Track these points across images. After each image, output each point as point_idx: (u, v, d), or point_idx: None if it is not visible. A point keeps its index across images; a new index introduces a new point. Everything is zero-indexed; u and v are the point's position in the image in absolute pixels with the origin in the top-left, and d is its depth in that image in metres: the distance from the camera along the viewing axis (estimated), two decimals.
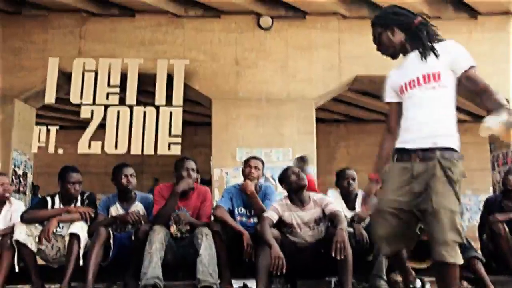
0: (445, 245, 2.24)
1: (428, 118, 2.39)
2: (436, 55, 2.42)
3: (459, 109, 12.52)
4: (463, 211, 2.31)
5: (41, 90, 6.84)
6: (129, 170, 4.08)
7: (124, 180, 4.03)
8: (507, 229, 4.17)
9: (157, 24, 7.23)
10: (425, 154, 2.36)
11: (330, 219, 3.73)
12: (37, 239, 3.74)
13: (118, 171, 4.08)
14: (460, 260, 2.28)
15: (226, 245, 3.74)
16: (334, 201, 3.97)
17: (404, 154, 2.43)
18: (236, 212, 4.05)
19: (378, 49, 2.62)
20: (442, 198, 2.27)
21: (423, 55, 2.44)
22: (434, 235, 2.29)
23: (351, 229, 3.83)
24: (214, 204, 4.37)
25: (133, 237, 3.74)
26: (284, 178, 3.88)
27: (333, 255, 3.36)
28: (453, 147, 2.37)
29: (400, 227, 2.45)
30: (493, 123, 2.10)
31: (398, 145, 2.48)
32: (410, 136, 2.43)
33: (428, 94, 2.40)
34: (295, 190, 3.79)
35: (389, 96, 2.62)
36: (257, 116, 6.95)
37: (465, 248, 3.89)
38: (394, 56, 2.62)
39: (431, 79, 2.40)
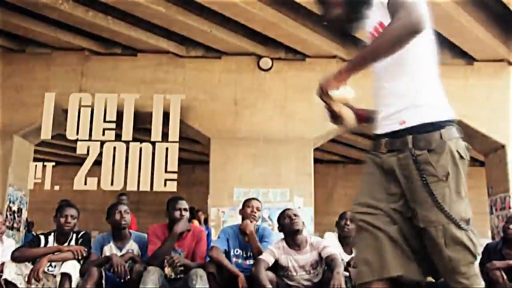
0: (458, 274, 1.62)
1: (388, 87, 1.78)
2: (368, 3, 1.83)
3: None
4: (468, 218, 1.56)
5: (40, 126, 6.87)
6: (123, 207, 4.06)
7: (117, 216, 4.00)
8: (505, 277, 4.10)
9: (158, 63, 7.34)
10: (393, 141, 1.72)
11: (326, 263, 3.68)
12: (26, 279, 3.66)
13: (112, 208, 4.07)
14: (481, 283, 1.66)
15: (221, 286, 3.67)
16: (331, 244, 3.92)
17: (375, 142, 1.83)
18: (232, 253, 4.00)
19: (335, 26, 2.03)
20: (427, 212, 1.63)
21: (357, 15, 1.89)
22: (439, 263, 1.66)
23: (347, 273, 3.77)
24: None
25: (127, 277, 3.66)
26: (279, 220, 3.86)
27: None
28: (430, 121, 1.69)
29: (384, 239, 1.68)
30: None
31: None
32: (377, 117, 1.85)
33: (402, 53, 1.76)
34: (288, 234, 3.76)
35: None
36: (255, 156, 6.96)
37: None
38: (349, 29, 2.03)
39: (376, 36, 1.81)
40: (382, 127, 1.79)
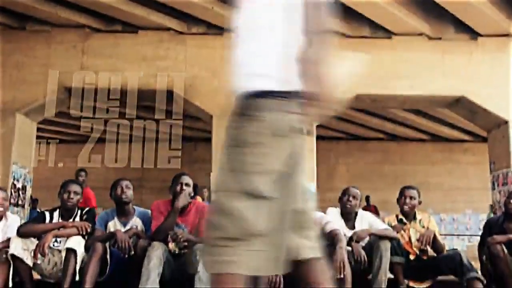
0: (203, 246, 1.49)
1: (235, 55, 1.66)
2: None
3: (458, 128, 12.57)
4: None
5: (42, 104, 6.87)
6: (124, 182, 4.09)
7: (118, 190, 4.04)
8: (506, 251, 4.13)
9: (160, 40, 7.29)
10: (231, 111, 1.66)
11: (329, 238, 3.71)
12: (32, 254, 3.72)
13: (114, 184, 4.11)
14: (220, 268, 1.41)
15: None
16: (333, 219, 3.95)
17: None
18: None
19: None
20: (217, 175, 1.55)
21: None
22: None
23: (349, 248, 3.80)
24: None
25: (131, 253, 3.71)
26: None
27: (333, 274, 3.33)
28: (256, 89, 1.56)
29: None
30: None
31: None
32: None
33: (240, 19, 1.66)
34: None
35: None
36: None
37: (465, 269, 3.87)
38: None
39: None
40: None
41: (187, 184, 3.94)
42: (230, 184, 1.48)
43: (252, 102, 1.54)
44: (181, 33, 7.29)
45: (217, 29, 7.29)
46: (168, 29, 7.23)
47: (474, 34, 7.34)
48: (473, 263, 4.03)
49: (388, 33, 7.22)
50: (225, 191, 1.49)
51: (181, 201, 3.83)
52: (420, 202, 4.32)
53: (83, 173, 6.84)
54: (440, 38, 7.25)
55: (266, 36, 1.61)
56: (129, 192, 4.08)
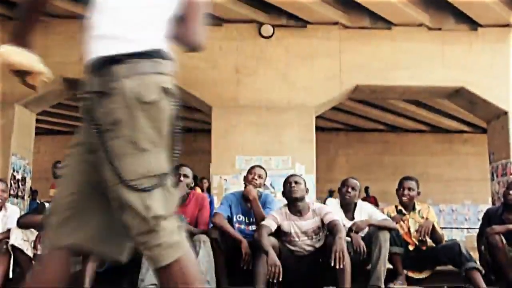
0: (138, 244, 1.41)
1: (93, 22, 1.57)
2: None
3: (457, 119, 12.54)
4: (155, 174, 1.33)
5: (41, 95, 6.85)
6: None
7: None
8: (504, 241, 4.15)
9: None
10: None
11: (328, 228, 3.73)
12: (33, 245, 3.73)
13: None
14: (171, 255, 1.37)
15: (224, 252, 3.73)
16: (333, 210, 3.96)
17: None
18: (234, 219, 4.04)
19: None
20: (103, 169, 1.37)
21: None
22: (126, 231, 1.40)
23: (348, 239, 3.81)
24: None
25: None
26: (283, 186, 3.89)
27: (332, 264, 3.35)
28: (106, 54, 1.39)
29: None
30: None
31: None
32: None
33: None
34: (289, 200, 3.80)
35: None
36: (257, 123, 6.96)
37: (464, 259, 3.88)
38: None
39: None
40: None
41: (185, 175, 3.94)
42: (141, 170, 1.32)
43: (112, 70, 1.33)
44: None
45: (216, 20, 7.26)
46: None
47: (474, 24, 7.31)
48: (472, 253, 4.04)
49: (388, 24, 7.19)
50: (138, 179, 1.32)
51: (179, 192, 3.84)
52: (419, 193, 4.33)
53: (59, 165, 6.85)
54: (440, 29, 7.23)
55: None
56: None
